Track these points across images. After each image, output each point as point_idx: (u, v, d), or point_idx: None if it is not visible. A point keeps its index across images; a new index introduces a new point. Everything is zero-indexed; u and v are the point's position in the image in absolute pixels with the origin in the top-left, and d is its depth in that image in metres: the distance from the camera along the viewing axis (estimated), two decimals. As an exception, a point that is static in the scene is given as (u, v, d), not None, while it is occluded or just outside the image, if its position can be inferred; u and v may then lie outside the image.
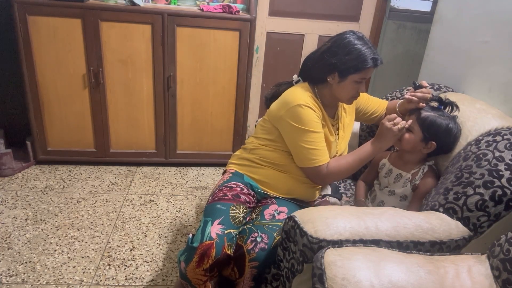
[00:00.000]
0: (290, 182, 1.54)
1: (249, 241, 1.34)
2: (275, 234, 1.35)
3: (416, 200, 1.46)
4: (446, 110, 1.50)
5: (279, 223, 1.39)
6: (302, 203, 1.58)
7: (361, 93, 1.51)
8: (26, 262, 1.80)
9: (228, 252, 1.32)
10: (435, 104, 1.50)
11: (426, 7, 3.26)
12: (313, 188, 1.58)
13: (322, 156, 1.44)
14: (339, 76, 1.42)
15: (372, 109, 1.71)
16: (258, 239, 1.34)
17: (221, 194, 1.47)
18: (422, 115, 1.46)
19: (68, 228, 2.04)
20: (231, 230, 1.35)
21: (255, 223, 1.40)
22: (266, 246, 1.33)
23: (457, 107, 1.50)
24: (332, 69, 1.43)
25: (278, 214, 1.44)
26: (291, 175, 1.54)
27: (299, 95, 1.44)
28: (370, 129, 1.89)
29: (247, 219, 1.46)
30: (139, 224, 2.12)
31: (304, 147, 1.43)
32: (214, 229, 1.32)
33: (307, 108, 1.41)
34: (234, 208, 1.41)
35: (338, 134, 1.59)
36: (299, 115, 1.41)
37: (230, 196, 1.45)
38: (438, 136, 1.44)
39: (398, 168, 1.55)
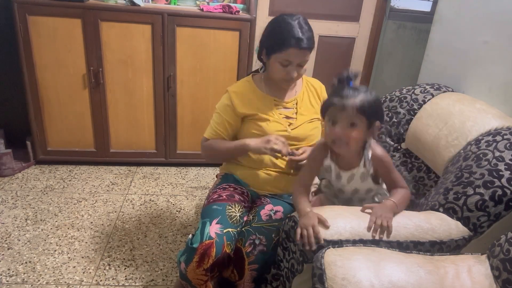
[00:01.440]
0: (263, 176, 1.56)
1: (247, 244, 1.34)
2: (273, 235, 1.36)
3: (390, 178, 1.31)
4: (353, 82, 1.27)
5: (276, 223, 1.39)
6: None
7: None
8: (26, 262, 1.80)
9: (227, 251, 1.32)
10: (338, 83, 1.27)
11: (426, 7, 3.26)
12: (285, 179, 1.57)
13: (208, 131, 1.57)
14: (266, 54, 1.46)
15: None
16: (257, 242, 1.34)
17: (216, 196, 1.49)
18: (356, 102, 1.19)
19: (68, 228, 2.04)
20: (230, 229, 1.35)
21: (253, 225, 1.41)
22: (265, 249, 1.33)
23: (355, 76, 1.26)
24: (261, 47, 1.48)
25: (275, 214, 1.44)
26: (260, 170, 1.56)
27: (236, 83, 1.59)
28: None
29: (244, 219, 1.46)
30: (139, 224, 2.12)
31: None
32: (213, 229, 1.33)
33: (228, 93, 1.53)
34: (230, 207, 1.42)
35: (296, 116, 1.56)
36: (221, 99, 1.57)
37: (224, 197, 1.47)
38: (379, 110, 1.28)
39: (346, 170, 1.34)
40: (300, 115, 1.57)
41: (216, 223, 1.35)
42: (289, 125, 1.54)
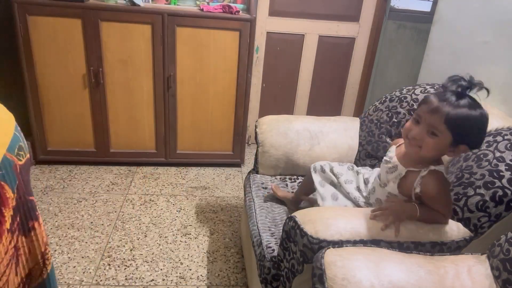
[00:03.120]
0: None
1: None
2: None
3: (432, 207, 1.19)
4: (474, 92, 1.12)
5: None
6: None
7: None
8: (26, 262, 1.80)
9: None
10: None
11: (426, 7, 3.26)
12: None
13: None
14: None
15: None
16: None
17: None
18: (449, 113, 1.08)
19: (68, 228, 2.04)
20: None
21: None
22: None
23: (486, 89, 1.13)
24: None
25: None
26: None
27: None
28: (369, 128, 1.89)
29: None
30: (139, 224, 2.12)
31: None
32: None
33: None
34: None
35: None
36: None
37: None
38: (473, 134, 1.12)
39: (398, 160, 1.26)
40: None
41: None
42: None
